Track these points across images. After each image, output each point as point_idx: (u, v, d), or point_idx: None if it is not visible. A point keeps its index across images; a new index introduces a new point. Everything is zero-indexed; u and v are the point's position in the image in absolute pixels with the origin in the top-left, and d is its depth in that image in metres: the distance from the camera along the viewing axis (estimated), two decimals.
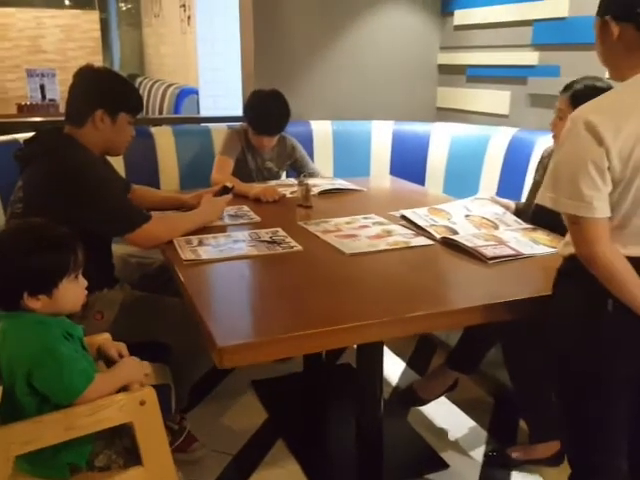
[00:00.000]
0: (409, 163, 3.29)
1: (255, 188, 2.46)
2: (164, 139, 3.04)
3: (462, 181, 3.11)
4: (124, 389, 1.28)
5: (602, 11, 1.30)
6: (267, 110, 2.64)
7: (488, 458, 2.06)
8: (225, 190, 2.21)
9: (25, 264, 1.24)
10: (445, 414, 2.30)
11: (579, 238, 1.24)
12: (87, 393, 1.21)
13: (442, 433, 2.21)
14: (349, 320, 1.30)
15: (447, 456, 2.08)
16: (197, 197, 2.22)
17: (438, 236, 1.85)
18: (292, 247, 1.80)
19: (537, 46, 2.95)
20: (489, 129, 3.07)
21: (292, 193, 2.51)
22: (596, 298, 1.26)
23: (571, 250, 1.28)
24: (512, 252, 1.70)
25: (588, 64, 2.70)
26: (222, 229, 2.01)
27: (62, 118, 1.94)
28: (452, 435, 2.20)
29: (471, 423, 2.27)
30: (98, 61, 6.95)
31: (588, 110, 1.22)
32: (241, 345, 1.22)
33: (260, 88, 2.76)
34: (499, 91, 3.20)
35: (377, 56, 3.55)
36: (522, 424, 2.21)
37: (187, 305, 1.51)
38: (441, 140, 3.23)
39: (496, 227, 1.94)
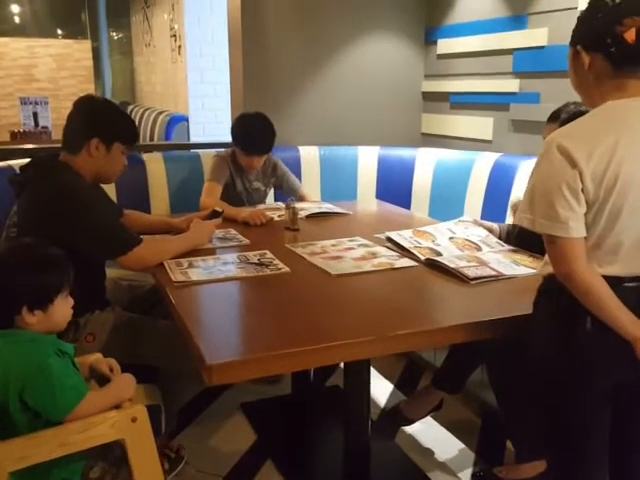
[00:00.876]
0: (395, 187, 3.36)
1: (243, 212, 2.51)
2: (155, 165, 3.09)
3: (447, 204, 3.17)
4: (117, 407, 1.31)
5: (574, 41, 1.37)
6: (255, 131, 2.72)
7: (475, 478, 2.08)
8: (214, 214, 2.26)
9: (27, 279, 1.30)
10: (432, 435, 2.33)
11: (557, 257, 1.29)
12: (78, 410, 1.24)
13: (429, 454, 2.23)
14: (335, 338, 1.34)
15: (435, 476, 2.10)
16: (187, 221, 2.26)
17: (422, 257, 1.89)
18: (280, 269, 1.84)
19: (518, 74, 3.04)
20: (473, 154, 3.14)
21: (280, 217, 2.56)
22: (575, 316, 1.30)
23: (550, 270, 1.33)
24: (493, 273, 1.75)
25: (567, 91, 2.79)
26: (211, 252, 2.05)
27: (54, 145, 1.99)
28: (439, 456, 2.22)
29: (458, 444, 2.29)
30: (90, 89, 7.07)
31: (561, 135, 1.28)
32: (230, 363, 1.25)
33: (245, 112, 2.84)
34: (482, 117, 3.29)
35: (363, 84, 3.64)
36: (509, 445, 2.24)
37: (177, 326, 1.54)
38: (426, 164, 3.30)
39: (479, 249, 1.99)
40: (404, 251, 1.97)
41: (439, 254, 1.93)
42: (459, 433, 2.35)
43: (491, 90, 3.20)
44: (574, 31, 1.38)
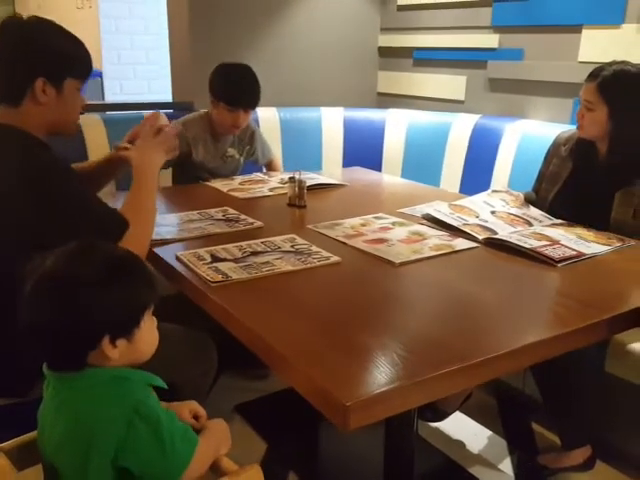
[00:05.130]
0: (364, 153, 3.10)
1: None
2: (93, 130, 2.60)
3: (422, 171, 2.97)
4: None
5: None
6: (242, 80, 2.34)
7: (521, 471, 1.93)
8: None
9: (108, 298, 0.91)
10: (454, 424, 2.15)
11: None
12: (191, 466, 0.94)
13: (460, 446, 2.05)
14: (481, 352, 1.07)
15: (477, 472, 1.92)
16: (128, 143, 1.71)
17: (480, 237, 1.66)
18: (327, 258, 1.52)
19: (497, 28, 2.86)
20: (449, 116, 2.95)
21: (271, 190, 2.22)
22: None
23: None
24: (574, 252, 1.55)
25: (554, 46, 2.66)
26: (224, 238, 1.68)
27: None
28: (471, 447, 2.04)
29: (484, 431, 2.13)
30: None
31: None
32: (372, 398, 0.95)
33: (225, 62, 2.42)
34: (453, 75, 3.09)
35: (316, 38, 3.31)
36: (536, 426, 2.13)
37: (247, 342, 1.20)
38: (397, 127, 3.07)
39: (529, 224, 1.80)
40: (453, 230, 1.73)
41: (493, 232, 1.71)
42: (481, 418, 2.19)
43: (465, 45, 2.99)
44: None
